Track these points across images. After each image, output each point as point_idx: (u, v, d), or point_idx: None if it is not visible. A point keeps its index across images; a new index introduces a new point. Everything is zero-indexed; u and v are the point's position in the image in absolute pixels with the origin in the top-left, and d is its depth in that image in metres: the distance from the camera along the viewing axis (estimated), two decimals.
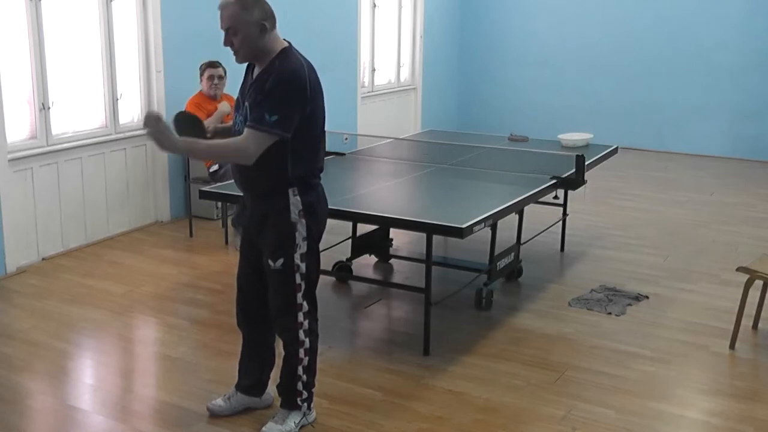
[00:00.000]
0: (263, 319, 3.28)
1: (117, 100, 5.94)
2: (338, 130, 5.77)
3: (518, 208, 4.57)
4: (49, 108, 5.42)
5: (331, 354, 4.01)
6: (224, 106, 5.68)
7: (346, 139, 5.69)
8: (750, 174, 8.53)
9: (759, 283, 4.18)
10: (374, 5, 8.86)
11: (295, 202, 3.03)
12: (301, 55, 3.04)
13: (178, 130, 3.12)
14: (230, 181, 4.60)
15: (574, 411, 3.48)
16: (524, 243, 5.10)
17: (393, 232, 5.39)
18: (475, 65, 10.67)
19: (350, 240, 5.04)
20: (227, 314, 4.27)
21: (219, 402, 3.39)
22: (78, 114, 5.71)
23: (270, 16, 2.96)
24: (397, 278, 5.19)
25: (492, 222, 4.04)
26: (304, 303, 3.12)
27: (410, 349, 4.06)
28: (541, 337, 4.27)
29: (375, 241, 5.20)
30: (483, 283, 4.63)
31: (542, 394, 3.63)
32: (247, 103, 2.99)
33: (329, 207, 4.04)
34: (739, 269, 4.17)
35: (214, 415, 3.36)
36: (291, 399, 3.23)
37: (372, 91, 9.01)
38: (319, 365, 3.82)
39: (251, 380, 3.39)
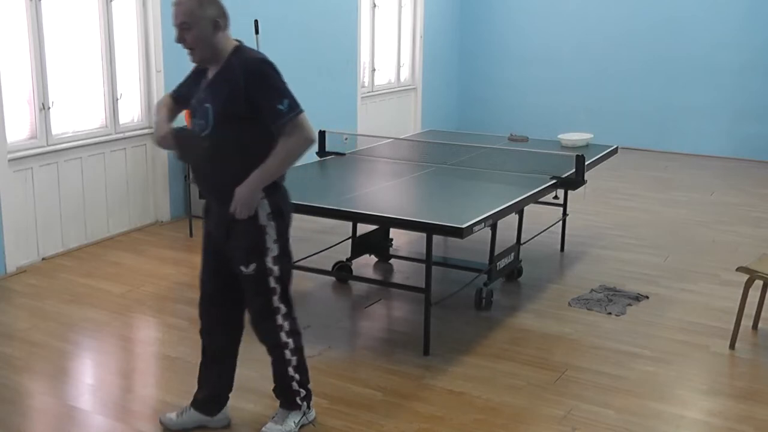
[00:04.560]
0: (226, 326, 3.20)
1: (117, 100, 5.94)
2: (338, 130, 5.78)
3: (518, 208, 4.57)
4: (49, 108, 5.42)
5: (331, 354, 4.01)
6: None
7: (346, 139, 5.69)
8: (750, 174, 8.53)
9: (759, 283, 4.18)
10: (374, 5, 8.86)
11: (263, 204, 2.97)
12: (254, 50, 3.04)
13: (181, 151, 3.06)
14: None
15: (574, 411, 3.48)
16: (524, 243, 5.10)
17: (393, 232, 5.39)
18: (475, 65, 10.67)
19: (350, 240, 5.05)
20: None
21: (171, 416, 3.31)
22: (78, 114, 5.71)
23: (224, 15, 2.94)
24: (397, 278, 5.19)
25: (492, 222, 4.04)
26: (281, 306, 3.07)
27: (410, 349, 4.06)
28: (541, 337, 4.27)
29: (375, 241, 5.20)
30: (483, 283, 4.63)
31: (542, 394, 3.63)
32: (208, 105, 2.93)
33: (329, 207, 4.08)
34: (739, 269, 4.17)
35: (166, 428, 3.29)
36: (289, 399, 3.22)
37: (372, 91, 9.00)
38: (319, 365, 3.83)
39: (208, 392, 3.28)
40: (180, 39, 2.92)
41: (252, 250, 3.00)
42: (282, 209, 3.05)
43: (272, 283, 3.03)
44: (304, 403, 3.24)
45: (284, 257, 3.06)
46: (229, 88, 2.90)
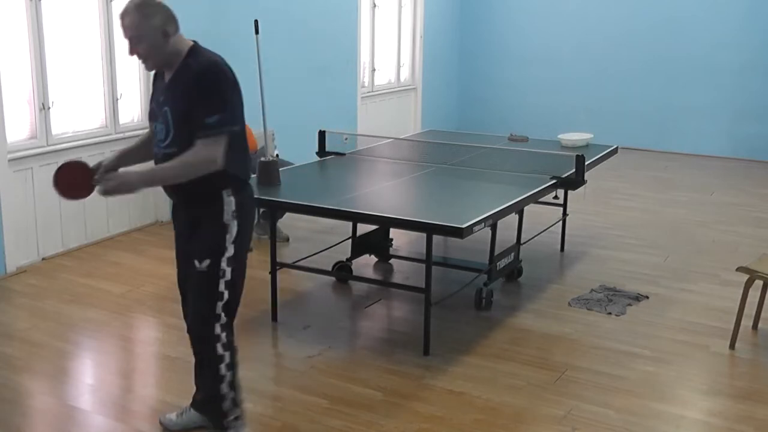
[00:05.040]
0: None
1: (117, 100, 5.94)
2: (338, 130, 5.78)
3: (518, 208, 4.56)
4: (49, 108, 5.42)
5: (331, 354, 4.01)
6: None
7: (346, 139, 5.69)
8: (750, 174, 8.53)
9: (759, 283, 4.18)
10: (374, 5, 8.86)
11: (229, 202, 2.93)
12: (211, 51, 2.96)
13: (63, 188, 2.99)
14: None
15: (574, 411, 3.48)
16: (524, 243, 5.10)
17: (393, 232, 5.39)
18: (474, 65, 10.67)
19: (350, 240, 5.05)
20: None
21: (171, 416, 3.30)
22: (78, 114, 5.71)
23: (171, 20, 2.88)
24: (397, 278, 5.19)
25: (492, 222, 4.04)
26: (222, 314, 2.98)
27: (410, 349, 4.06)
28: (541, 337, 4.27)
29: (375, 241, 5.20)
30: (483, 283, 4.63)
31: (542, 394, 3.63)
32: (167, 109, 2.88)
33: (329, 207, 4.08)
34: (739, 269, 4.17)
35: (166, 429, 3.29)
36: (218, 420, 3.10)
37: (372, 91, 9.01)
38: (319, 365, 3.84)
39: (204, 393, 3.23)
40: (132, 52, 2.90)
41: (209, 246, 2.95)
42: (247, 209, 3.02)
43: (221, 286, 2.96)
44: (236, 423, 3.09)
45: (238, 262, 2.99)
46: (186, 90, 2.84)
